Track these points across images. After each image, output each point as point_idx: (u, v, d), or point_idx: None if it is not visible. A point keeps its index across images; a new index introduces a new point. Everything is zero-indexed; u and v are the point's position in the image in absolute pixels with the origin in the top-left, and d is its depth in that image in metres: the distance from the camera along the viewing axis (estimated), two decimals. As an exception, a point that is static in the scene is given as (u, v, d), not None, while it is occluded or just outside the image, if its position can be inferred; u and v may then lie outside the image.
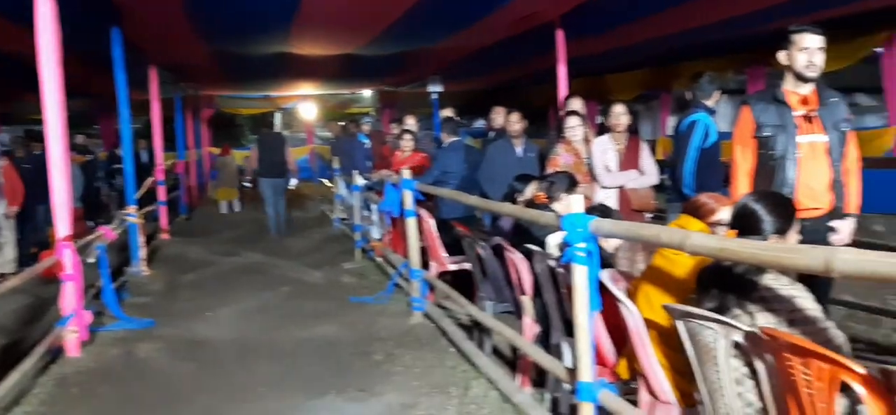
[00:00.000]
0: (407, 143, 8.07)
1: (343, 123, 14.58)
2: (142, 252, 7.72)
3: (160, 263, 8.53)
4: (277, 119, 21.56)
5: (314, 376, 4.55)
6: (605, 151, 5.41)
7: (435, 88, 12.75)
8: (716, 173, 4.71)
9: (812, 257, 1.76)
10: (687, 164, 4.73)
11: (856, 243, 3.13)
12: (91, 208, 11.48)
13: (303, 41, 8.86)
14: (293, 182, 11.49)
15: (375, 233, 8.66)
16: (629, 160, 5.42)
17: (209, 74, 12.50)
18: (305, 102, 19.26)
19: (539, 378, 4.04)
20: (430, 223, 6.02)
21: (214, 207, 14.69)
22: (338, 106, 19.87)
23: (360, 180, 8.95)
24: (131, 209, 7.72)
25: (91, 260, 5.91)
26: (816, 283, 2.59)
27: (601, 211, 3.41)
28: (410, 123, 8.78)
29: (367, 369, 4.66)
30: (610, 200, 5.28)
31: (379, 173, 8.53)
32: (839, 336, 2.18)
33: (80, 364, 4.86)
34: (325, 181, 15.19)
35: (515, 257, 3.94)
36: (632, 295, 2.93)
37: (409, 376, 4.45)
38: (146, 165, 12.21)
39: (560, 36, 7.56)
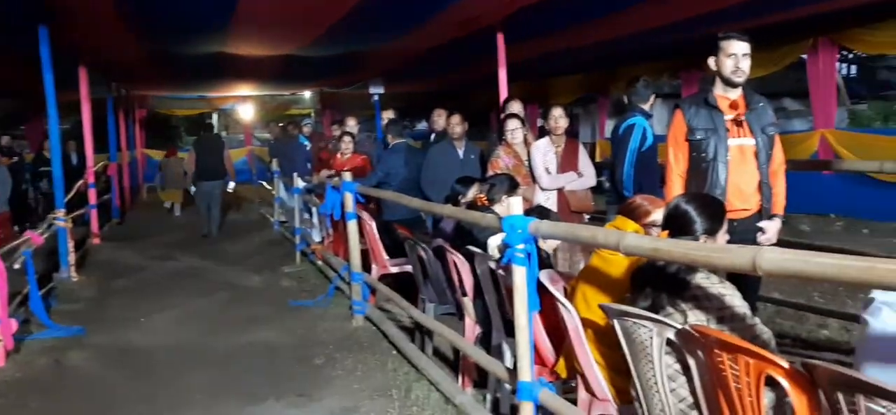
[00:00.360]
0: (346, 145, 8.03)
1: (283, 125, 14.38)
2: (71, 257, 7.44)
3: (91, 268, 8.24)
4: (214, 120, 21.14)
5: (252, 382, 4.48)
6: (545, 153, 5.48)
7: (376, 90, 12.70)
8: (653, 175, 4.82)
9: (740, 257, 1.82)
10: (625, 167, 4.83)
11: (782, 243, 3.26)
12: (17, 212, 11.02)
13: (241, 41, 8.69)
14: (231, 185, 11.31)
15: (316, 236, 8.57)
16: (568, 162, 5.50)
17: (143, 74, 12.18)
18: (244, 103, 18.94)
19: (481, 379, 4.06)
20: (372, 226, 5.99)
21: (149, 211, 14.31)
22: (277, 107, 19.61)
23: (299, 183, 8.85)
24: (60, 213, 7.44)
25: (17, 266, 5.69)
26: (745, 281, 2.69)
27: (539, 213, 3.46)
28: (351, 124, 8.74)
29: (308, 373, 4.61)
30: (549, 202, 5.35)
31: (319, 175, 8.45)
32: (766, 332, 2.26)
33: (6, 375, 4.67)
34: (264, 183, 14.96)
35: (457, 259, 3.96)
36: (570, 295, 2.98)
37: (350, 380, 4.42)
38: (76, 167, 11.81)
39: (501, 40, 7.63)
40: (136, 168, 17.52)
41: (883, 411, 1.44)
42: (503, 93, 7.63)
